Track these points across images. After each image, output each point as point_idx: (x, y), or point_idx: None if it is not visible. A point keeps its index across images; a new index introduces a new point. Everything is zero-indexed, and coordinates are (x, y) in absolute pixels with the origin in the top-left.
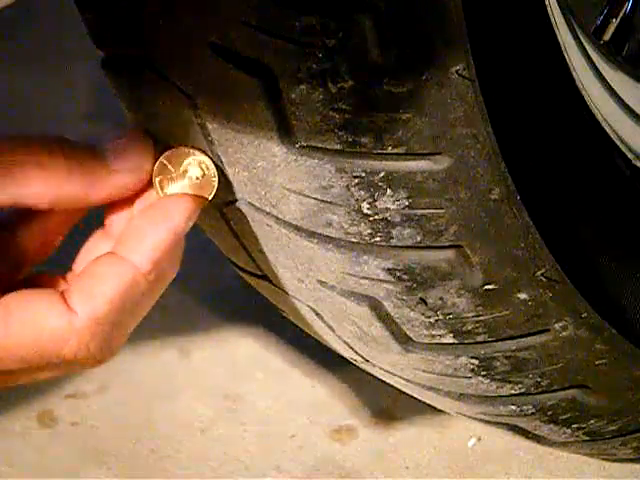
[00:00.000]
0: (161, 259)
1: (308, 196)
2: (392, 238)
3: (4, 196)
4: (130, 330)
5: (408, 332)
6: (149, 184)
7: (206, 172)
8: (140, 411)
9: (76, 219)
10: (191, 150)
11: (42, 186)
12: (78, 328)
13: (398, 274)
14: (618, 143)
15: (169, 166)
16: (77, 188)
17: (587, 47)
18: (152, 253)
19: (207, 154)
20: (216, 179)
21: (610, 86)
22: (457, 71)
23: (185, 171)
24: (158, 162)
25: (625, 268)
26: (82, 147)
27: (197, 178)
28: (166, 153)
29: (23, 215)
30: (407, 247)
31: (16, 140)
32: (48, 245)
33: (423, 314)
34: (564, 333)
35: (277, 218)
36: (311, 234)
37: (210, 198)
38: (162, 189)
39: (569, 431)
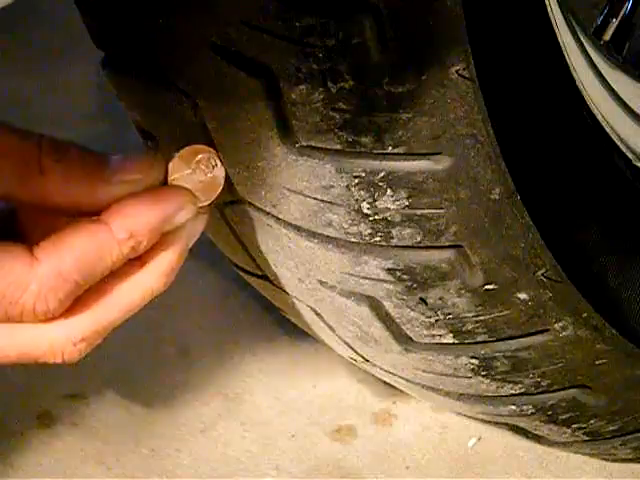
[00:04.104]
0: (139, 233)
1: (308, 196)
2: (392, 238)
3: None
4: (102, 320)
5: (408, 332)
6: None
7: (215, 170)
8: (140, 411)
9: None
10: (203, 147)
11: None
12: (40, 275)
13: (398, 274)
14: (618, 143)
15: (183, 164)
16: (83, 190)
17: (587, 47)
18: (131, 224)
19: (217, 152)
20: (223, 178)
21: (610, 86)
22: (457, 71)
23: (196, 168)
24: (174, 160)
25: (625, 268)
26: (90, 154)
27: (206, 175)
28: (181, 151)
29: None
30: (407, 247)
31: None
32: None
33: (423, 314)
34: (564, 333)
35: (277, 218)
36: (311, 234)
37: (214, 196)
38: None
39: (569, 431)
